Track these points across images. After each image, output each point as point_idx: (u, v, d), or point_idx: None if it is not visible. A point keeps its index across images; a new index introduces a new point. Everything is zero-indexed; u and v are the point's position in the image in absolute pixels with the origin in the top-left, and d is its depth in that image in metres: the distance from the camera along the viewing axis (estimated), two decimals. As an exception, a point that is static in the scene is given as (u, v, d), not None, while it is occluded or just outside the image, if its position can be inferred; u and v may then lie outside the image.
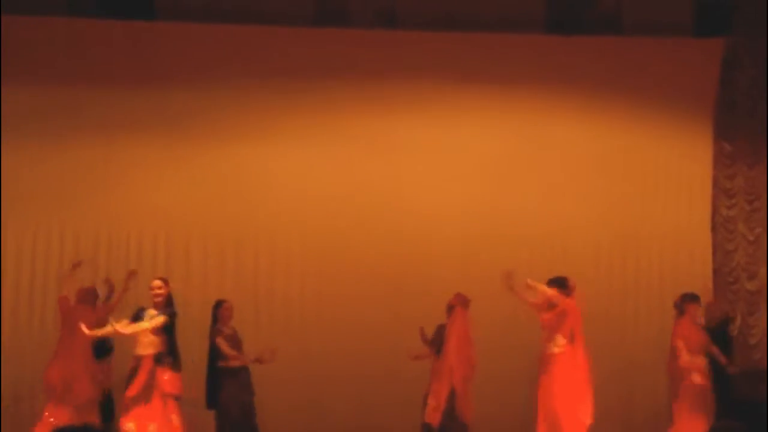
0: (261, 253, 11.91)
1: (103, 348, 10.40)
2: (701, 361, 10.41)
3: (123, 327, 9.36)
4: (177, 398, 9.50)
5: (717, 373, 12.09)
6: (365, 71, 12.06)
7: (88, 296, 10.48)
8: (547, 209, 12.16)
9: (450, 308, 10.67)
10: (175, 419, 9.45)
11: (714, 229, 12.49)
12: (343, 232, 11.97)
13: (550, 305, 9.97)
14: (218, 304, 10.37)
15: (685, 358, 10.32)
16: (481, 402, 10.63)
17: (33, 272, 11.66)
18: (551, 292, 9.91)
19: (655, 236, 12.37)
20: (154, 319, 9.42)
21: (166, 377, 9.43)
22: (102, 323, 9.80)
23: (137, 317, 9.56)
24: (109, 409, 10.50)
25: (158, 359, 9.44)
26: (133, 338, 9.49)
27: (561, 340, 9.91)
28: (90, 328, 9.56)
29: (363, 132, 12.15)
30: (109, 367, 10.61)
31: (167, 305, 9.55)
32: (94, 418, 9.98)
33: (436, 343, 10.64)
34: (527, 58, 12.29)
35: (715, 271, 12.43)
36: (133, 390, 9.38)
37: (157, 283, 9.69)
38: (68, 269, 10.56)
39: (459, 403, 10.39)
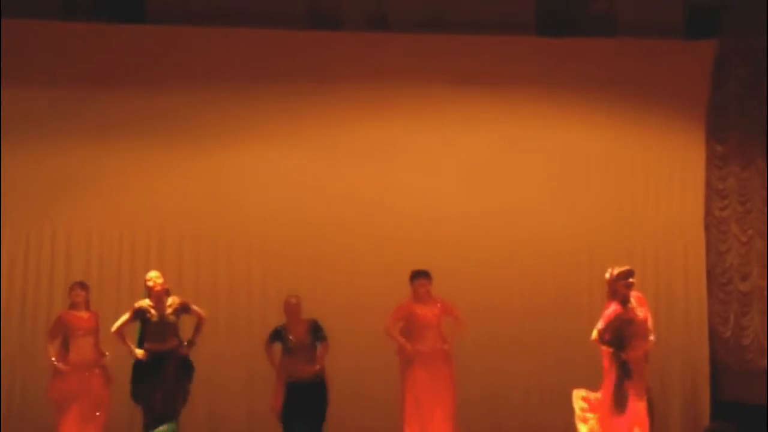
0: (253, 254, 11.92)
1: None
2: None
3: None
4: None
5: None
6: (357, 74, 12.11)
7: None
8: (539, 211, 12.18)
9: None
10: None
11: (707, 229, 12.50)
12: (337, 235, 11.99)
13: None
14: None
15: None
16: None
17: (26, 273, 11.68)
18: None
19: (648, 237, 12.38)
20: None
21: None
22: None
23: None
24: None
25: None
26: None
27: None
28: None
29: (357, 134, 12.16)
30: None
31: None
32: None
33: None
34: (520, 60, 12.30)
35: (708, 272, 12.45)
36: None
37: (156, 273, 10.19)
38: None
39: None
